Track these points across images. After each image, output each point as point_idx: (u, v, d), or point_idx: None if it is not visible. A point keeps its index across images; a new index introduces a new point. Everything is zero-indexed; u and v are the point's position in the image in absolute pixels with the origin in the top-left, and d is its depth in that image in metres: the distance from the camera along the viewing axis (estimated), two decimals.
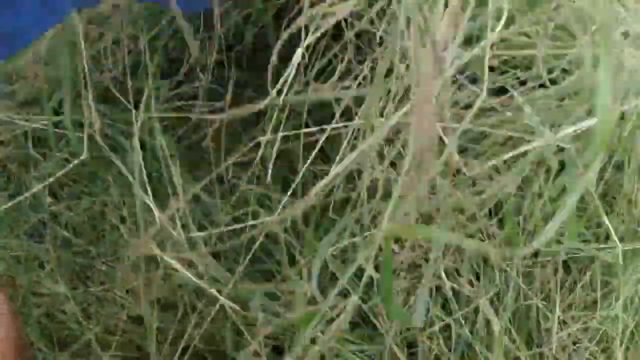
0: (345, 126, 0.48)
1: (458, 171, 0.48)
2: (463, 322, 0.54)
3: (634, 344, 0.59)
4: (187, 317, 0.57)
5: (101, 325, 0.62)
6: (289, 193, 0.49)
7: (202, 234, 0.53)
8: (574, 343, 0.56)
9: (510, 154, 0.43)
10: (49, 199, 0.65)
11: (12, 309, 0.39)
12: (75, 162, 0.51)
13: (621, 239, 0.56)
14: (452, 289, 0.53)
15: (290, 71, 0.43)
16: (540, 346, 0.55)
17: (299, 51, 0.43)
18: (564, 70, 0.51)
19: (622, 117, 0.54)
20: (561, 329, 0.55)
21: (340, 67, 0.50)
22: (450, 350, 0.54)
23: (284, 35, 0.44)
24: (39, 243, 0.66)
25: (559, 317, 0.54)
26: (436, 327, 0.54)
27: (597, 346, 0.57)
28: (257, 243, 0.51)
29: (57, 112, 0.59)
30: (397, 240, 0.54)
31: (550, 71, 0.51)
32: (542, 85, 0.52)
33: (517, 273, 0.55)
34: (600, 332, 0.56)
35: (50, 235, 0.65)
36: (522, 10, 0.49)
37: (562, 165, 0.52)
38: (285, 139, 0.50)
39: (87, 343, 0.62)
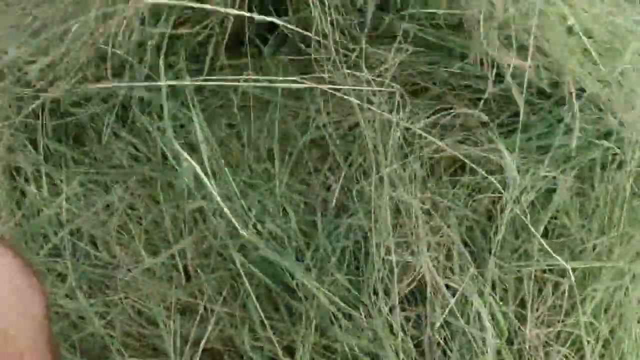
0: None
1: None
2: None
3: (609, 351, 0.66)
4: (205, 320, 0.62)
5: (119, 330, 0.67)
6: None
7: None
8: (547, 345, 0.63)
9: None
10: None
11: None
12: None
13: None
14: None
15: None
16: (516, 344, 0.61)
17: None
18: None
19: None
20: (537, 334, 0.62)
21: None
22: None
23: None
24: (57, 257, 0.71)
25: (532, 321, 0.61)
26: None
27: (570, 349, 0.64)
28: None
29: None
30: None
31: None
32: None
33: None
34: (573, 337, 0.63)
35: (69, 248, 0.70)
36: None
37: None
38: None
39: (106, 348, 0.67)
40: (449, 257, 0.62)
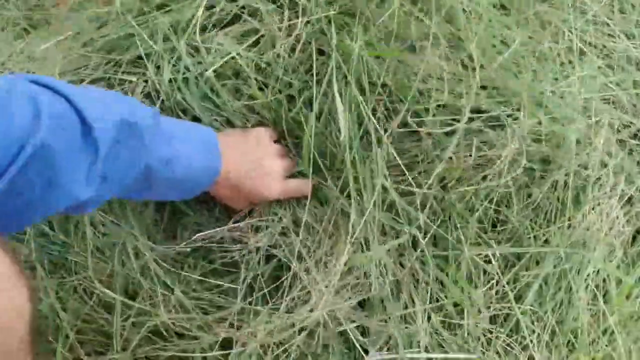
0: None
1: None
2: None
3: (556, 341, 0.65)
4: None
5: (72, 313, 0.68)
6: None
7: None
8: (489, 332, 0.62)
9: None
10: None
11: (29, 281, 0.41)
12: None
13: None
14: None
15: None
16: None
17: None
18: None
19: None
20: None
21: None
22: None
23: None
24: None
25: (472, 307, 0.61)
26: None
27: (514, 337, 0.63)
28: None
29: None
30: None
31: None
32: None
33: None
34: (514, 323, 0.63)
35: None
36: None
37: None
38: None
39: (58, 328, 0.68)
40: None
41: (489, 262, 0.64)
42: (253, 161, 0.63)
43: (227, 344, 0.63)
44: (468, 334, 0.62)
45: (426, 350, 0.61)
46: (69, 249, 0.68)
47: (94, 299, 0.67)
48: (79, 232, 0.68)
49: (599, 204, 0.67)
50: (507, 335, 0.63)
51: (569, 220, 0.65)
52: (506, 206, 0.65)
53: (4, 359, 0.38)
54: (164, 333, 0.65)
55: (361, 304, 0.64)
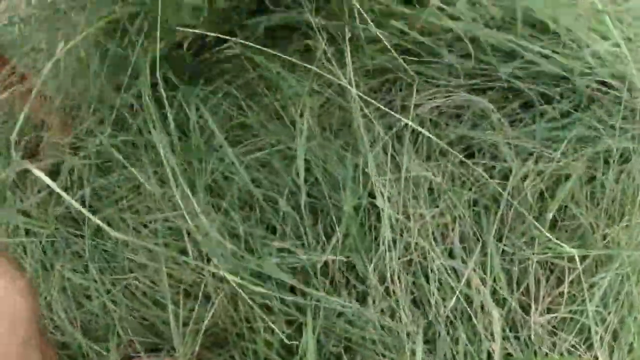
0: None
1: None
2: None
3: (617, 341, 0.65)
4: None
5: (124, 311, 0.67)
6: None
7: None
8: (553, 333, 0.62)
9: None
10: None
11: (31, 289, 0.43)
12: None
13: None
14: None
15: None
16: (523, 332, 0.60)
17: None
18: None
19: None
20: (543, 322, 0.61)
21: None
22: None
23: None
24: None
25: (537, 309, 0.60)
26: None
27: (578, 338, 0.63)
28: None
29: None
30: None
31: None
32: None
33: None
34: (580, 325, 0.62)
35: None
36: None
37: None
38: None
39: (109, 328, 0.67)
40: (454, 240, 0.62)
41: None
42: None
43: None
44: (534, 334, 0.61)
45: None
46: (123, 247, 0.67)
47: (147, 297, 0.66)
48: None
49: None
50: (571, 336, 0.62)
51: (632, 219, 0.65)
52: (575, 204, 0.64)
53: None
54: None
55: None
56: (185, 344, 0.62)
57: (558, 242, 0.60)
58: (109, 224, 0.69)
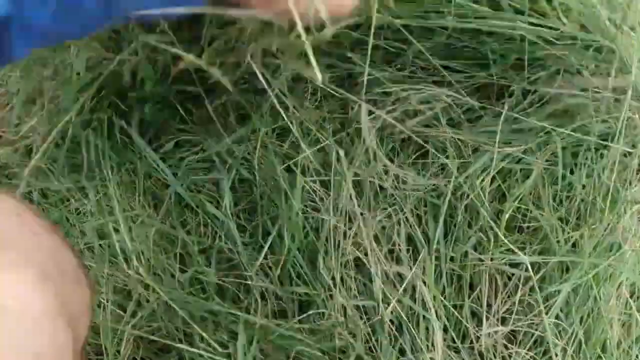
0: None
1: None
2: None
3: (582, 355, 0.60)
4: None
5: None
6: None
7: None
8: (508, 345, 0.57)
9: None
10: None
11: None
12: None
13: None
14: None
15: None
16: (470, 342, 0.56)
17: None
18: None
19: None
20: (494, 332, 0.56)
21: None
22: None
23: None
24: None
25: (489, 319, 0.56)
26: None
27: (536, 351, 0.58)
28: None
29: None
30: None
31: None
32: None
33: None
34: (534, 337, 0.57)
35: None
36: None
37: None
38: None
39: None
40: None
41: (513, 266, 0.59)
42: None
43: None
44: (484, 346, 0.57)
45: None
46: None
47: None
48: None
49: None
50: (528, 349, 0.58)
51: (601, 222, 0.60)
52: (534, 204, 0.60)
53: None
54: None
55: None
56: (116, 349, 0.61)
57: (512, 246, 0.55)
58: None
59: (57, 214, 0.66)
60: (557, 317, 0.58)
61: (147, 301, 0.62)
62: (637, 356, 0.62)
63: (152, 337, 0.61)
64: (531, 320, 0.57)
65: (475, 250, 0.58)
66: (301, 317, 0.58)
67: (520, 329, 0.57)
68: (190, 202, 0.61)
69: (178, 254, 0.62)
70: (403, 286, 0.54)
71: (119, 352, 0.63)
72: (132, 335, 0.60)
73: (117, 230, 0.63)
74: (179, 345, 0.60)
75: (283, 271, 0.60)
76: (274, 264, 0.60)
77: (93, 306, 0.38)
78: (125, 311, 0.62)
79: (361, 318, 0.57)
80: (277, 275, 0.60)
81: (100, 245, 0.63)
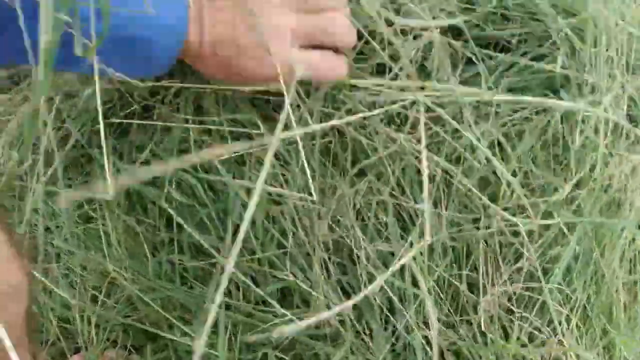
0: None
1: None
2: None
3: (587, 320, 0.57)
4: None
5: None
6: None
7: None
8: (509, 312, 0.53)
9: None
10: None
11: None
12: None
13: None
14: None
15: None
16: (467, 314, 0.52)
17: None
18: None
19: None
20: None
21: None
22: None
23: None
24: None
25: (485, 285, 0.52)
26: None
27: (540, 320, 0.54)
28: None
29: None
30: None
31: None
32: None
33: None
34: (540, 304, 0.54)
35: None
36: None
37: None
38: None
39: None
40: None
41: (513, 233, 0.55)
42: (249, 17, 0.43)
43: None
44: (483, 319, 0.53)
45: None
46: None
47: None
48: None
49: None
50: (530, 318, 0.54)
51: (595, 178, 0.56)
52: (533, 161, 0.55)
53: None
54: None
55: None
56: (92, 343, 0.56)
57: (505, 214, 0.51)
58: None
59: None
60: (559, 283, 0.54)
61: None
62: None
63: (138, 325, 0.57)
64: (530, 287, 0.53)
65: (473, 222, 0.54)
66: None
67: (523, 293, 0.53)
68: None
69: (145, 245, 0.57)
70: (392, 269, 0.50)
71: (108, 339, 0.59)
72: (117, 322, 0.57)
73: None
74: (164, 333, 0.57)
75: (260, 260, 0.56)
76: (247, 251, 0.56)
77: (30, 294, 0.35)
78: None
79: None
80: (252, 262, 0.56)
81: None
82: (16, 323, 0.36)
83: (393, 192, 0.53)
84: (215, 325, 0.56)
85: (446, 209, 0.53)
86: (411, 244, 0.51)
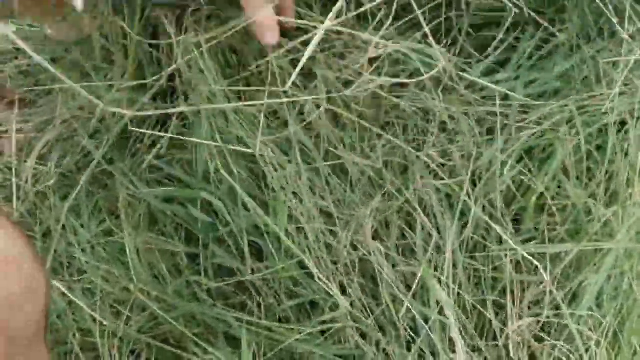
0: None
1: None
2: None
3: (617, 345, 0.55)
4: None
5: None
6: None
7: None
8: (538, 340, 0.52)
9: None
10: None
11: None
12: None
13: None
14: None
15: None
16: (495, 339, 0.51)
17: None
18: None
19: None
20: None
21: None
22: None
23: None
24: None
25: (514, 312, 0.51)
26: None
27: (570, 346, 0.52)
28: None
29: None
30: None
31: None
32: None
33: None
34: (568, 330, 0.52)
35: None
36: None
37: None
38: None
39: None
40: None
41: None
42: None
43: None
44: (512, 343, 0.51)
45: None
46: None
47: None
48: None
49: None
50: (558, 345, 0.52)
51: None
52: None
53: (12, 341, 0.34)
54: None
55: None
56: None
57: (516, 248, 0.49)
58: None
59: None
60: (589, 308, 0.52)
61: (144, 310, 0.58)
62: None
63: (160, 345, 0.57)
64: (561, 313, 0.52)
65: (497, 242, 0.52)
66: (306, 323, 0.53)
67: (550, 321, 0.51)
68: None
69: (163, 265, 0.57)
70: (415, 285, 0.49)
71: (132, 352, 0.59)
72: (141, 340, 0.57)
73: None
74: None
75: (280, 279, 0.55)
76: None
77: (48, 294, 0.37)
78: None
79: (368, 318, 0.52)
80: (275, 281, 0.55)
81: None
82: (31, 322, 0.36)
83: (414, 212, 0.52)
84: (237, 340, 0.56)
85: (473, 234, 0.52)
86: (435, 268, 0.50)
